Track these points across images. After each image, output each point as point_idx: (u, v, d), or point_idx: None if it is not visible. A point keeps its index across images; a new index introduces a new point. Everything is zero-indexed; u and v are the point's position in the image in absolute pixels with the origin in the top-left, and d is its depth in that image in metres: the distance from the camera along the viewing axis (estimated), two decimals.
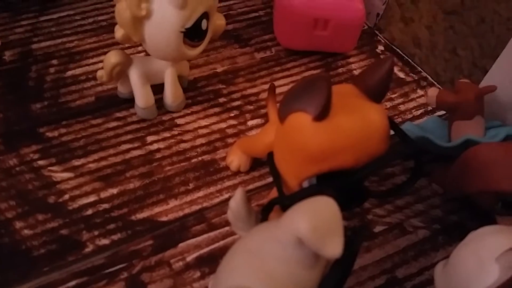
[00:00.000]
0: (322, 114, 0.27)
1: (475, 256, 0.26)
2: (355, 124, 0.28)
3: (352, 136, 0.28)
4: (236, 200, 0.30)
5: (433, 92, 0.41)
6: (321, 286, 0.25)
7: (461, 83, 0.41)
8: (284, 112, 0.30)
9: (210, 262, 0.35)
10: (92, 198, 0.38)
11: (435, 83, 0.51)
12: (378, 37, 0.56)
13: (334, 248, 0.23)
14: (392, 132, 0.30)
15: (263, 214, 0.29)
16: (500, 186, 0.33)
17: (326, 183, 0.29)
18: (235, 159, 0.40)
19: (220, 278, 0.26)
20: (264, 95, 0.48)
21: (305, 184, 0.30)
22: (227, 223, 0.37)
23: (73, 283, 0.33)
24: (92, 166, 0.40)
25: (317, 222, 0.23)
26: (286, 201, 0.28)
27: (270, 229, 0.25)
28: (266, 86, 0.48)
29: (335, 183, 0.29)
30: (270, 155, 0.33)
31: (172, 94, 0.43)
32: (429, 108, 0.48)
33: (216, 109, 0.46)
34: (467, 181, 0.35)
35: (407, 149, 0.30)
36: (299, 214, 0.23)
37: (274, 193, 0.36)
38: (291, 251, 0.24)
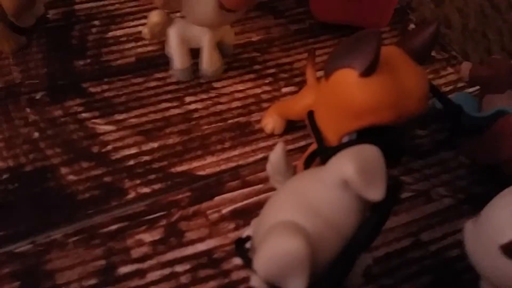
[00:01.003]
0: (369, 71, 0.29)
1: (508, 209, 0.27)
2: (398, 83, 0.30)
3: (395, 94, 0.30)
4: (277, 153, 0.31)
5: (466, 66, 0.42)
6: (360, 228, 0.26)
7: (494, 58, 0.42)
8: (330, 69, 0.31)
9: (244, 215, 0.37)
10: (133, 150, 0.40)
11: (466, 61, 0.52)
12: (410, 15, 0.57)
13: (377, 191, 0.25)
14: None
15: (306, 164, 0.31)
16: None
17: (367, 138, 0.31)
18: (270, 121, 0.42)
19: (265, 217, 0.27)
20: (298, 64, 0.49)
21: (345, 140, 0.32)
22: (260, 181, 0.39)
23: (115, 227, 0.35)
24: (134, 121, 0.42)
25: (362, 165, 0.24)
26: (329, 152, 0.30)
27: (316, 173, 0.27)
28: (300, 56, 0.50)
29: (375, 138, 0.30)
30: (311, 113, 0.34)
31: (207, 60, 0.44)
32: (459, 85, 0.49)
33: (251, 75, 0.47)
34: (499, 148, 0.36)
35: (447, 111, 0.31)
36: (346, 158, 0.25)
37: (310, 151, 0.37)
38: (336, 193, 0.25)
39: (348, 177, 0.24)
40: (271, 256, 0.23)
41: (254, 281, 0.28)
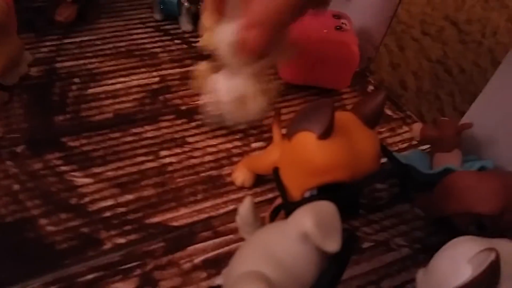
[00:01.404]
0: (325, 134, 0.33)
1: (451, 259, 0.30)
2: (352, 145, 0.34)
3: (349, 155, 0.33)
4: (245, 206, 0.34)
5: (417, 126, 0.47)
6: (320, 278, 0.29)
7: (443, 120, 0.47)
8: (291, 131, 0.35)
9: (216, 264, 0.39)
10: (110, 202, 0.42)
11: (419, 121, 0.57)
12: (369, 78, 0.62)
13: (333, 243, 0.28)
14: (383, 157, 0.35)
15: (271, 217, 0.33)
16: (474, 208, 0.38)
17: (326, 194, 0.34)
18: (240, 175, 0.45)
19: (233, 267, 0.30)
20: (266, 121, 0.52)
21: (307, 195, 0.35)
22: (231, 231, 0.41)
23: (91, 276, 0.37)
24: (110, 174, 0.44)
25: (320, 220, 0.28)
26: (291, 206, 0.33)
27: (279, 226, 0.30)
28: (268, 114, 0.54)
29: (333, 194, 0.33)
30: (276, 169, 0.38)
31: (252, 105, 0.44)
32: (413, 142, 0.54)
33: (223, 131, 0.50)
34: (446, 204, 0.40)
35: (395, 169, 0.35)
36: (305, 213, 0.28)
37: (275, 205, 0.40)
38: (297, 245, 0.28)
39: (307, 230, 0.27)
40: None
41: None
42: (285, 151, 0.36)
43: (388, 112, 0.57)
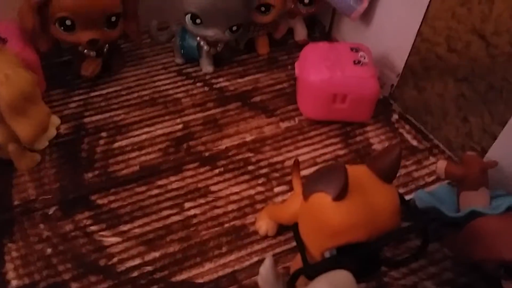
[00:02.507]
0: (340, 195, 0.32)
1: None
2: (368, 203, 0.33)
3: (366, 214, 0.33)
4: (266, 267, 0.35)
5: (442, 164, 0.46)
6: None
7: (468, 156, 0.46)
8: (307, 192, 0.35)
9: None
10: (137, 261, 0.43)
11: (446, 150, 0.56)
12: (393, 106, 0.61)
13: None
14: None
15: (291, 283, 0.34)
16: (502, 255, 0.36)
17: (345, 254, 0.34)
18: (263, 224, 0.45)
19: None
20: (288, 162, 0.53)
21: (327, 254, 0.35)
22: (256, 285, 0.42)
23: None
24: (137, 231, 0.45)
25: None
26: (310, 271, 0.33)
27: None
28: (290, 154, 0.54)
29: (352, 254, 0.33)
30: (295, 226, 0.38)
31: None
32: None
33: (246, 177, 0.51)
34: (472, 249, 0.39)
35: (415, 226, 0.35)
36: (321, 285, 0.28)
37: (298, 260, 0.40)
38: None
39: None
40: None
41: None
42: (302, 210, 0.36)
43: (414, 142, 0.56)
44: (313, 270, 0.32)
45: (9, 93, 0.43)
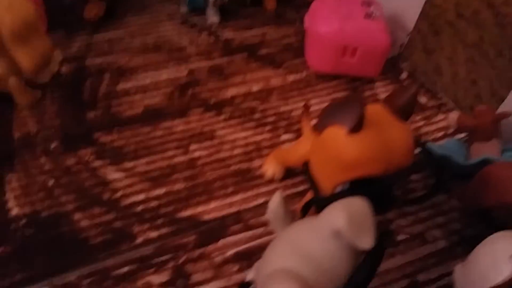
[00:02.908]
0: (356, 128, 0.32)
1: (490, 256, 0.29)
2: (383, 139, 0.33)
3: (381, 149, 0.32)
4: (275, 202, 0.34)
5: (454, 115, 0.45)
6: (353, 275, 0.28)
7: (480, 108, 0.45)
8: (322, 125, 0.34)
9: (247, 257, 0.39)
10: (141, 197, 0.42)
11: (455, 109, 0.55)
12: (401, 65, 0.60)
13: (366, 240, 0.27)
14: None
15: (302, 213, 0.33)
16: None
17: (358, 188, 0.33)
18: (270, 168, 0.44)
19: (266, 262, 0.29)
20: (296, 112, 0.52)
21: (339, 189, 0.34)
22: (262, 224, 0.41)
23: (125, 269, 0.37)
24: (142, 168, 0.44)
25: (352, 217, 0.27)
26: (323, 201, 0.32)
27: (310, 223, 0.29)
28: (298, 105, 0.53)
29: (366, 188, 0.33)
30: (306, 164, 0.37)
31: None
32: (449, 131, 0.52)
33: (252, 124, 0.50)
34: (484, 195, 0.38)
35: (429, 162, 0.34)
36: (337, 210, 0.27)
37: (306, 199, 0.39)
38: (329, 242, 0.28)
39: (340, 228, 0.26)
40: None
41: None
42: (315, 145, 0.36)
43: (423, 100, 0.56)
44: (326, 200, 0.32)
45: (12, 20, 0.42)
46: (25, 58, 0.43)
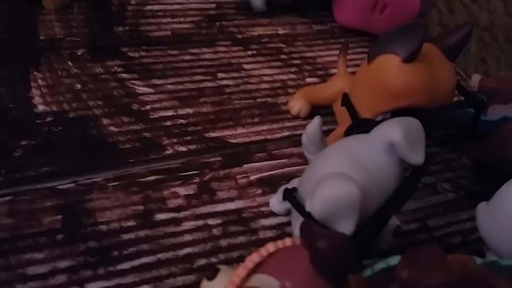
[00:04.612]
0: (411, 57, 0.32)
1: None
2: (432, 73, 0.34)
3: (430, 82, 0.34)
4: (314, 125, 0.34)
5: (476, 77, 0.47)
6: (398, 189, 0.29)
7: (501, 74, 0.47)
8: (374, 54, 0.34)
9: (270, 183, 0.40)
10: (170, 113, 0.42)
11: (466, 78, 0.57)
12: None
13: (418, 156, 0.28)
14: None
15: (346, 134, 0.34)
16: None
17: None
18: (297, 104, 0.45)
19: (318, 167, 0.30)
20: (320, 59, 0.52)
21: (379, 119, 0.35)
22: (285, 156, 0.42)
23: (152, 178, 0.37)
24: (170, 87, 0.44)
25: (408, 133, 0.28)
26: (370, 123, 0.33)
27: (361, 137, 0.30)
28: (322, 53, 0.53)
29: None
30: (346, 94, 0.38)
31: None
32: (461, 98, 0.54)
33: (278, 63, 0.50)
34: (503, 149, 0.40)
35: (471, 100, 0.36)
36: (394, 124, 0.28)
37: (332, 136, 0.40)
38: (381, 154, 0.29)
39: (396, 141, 0.28)
40: (329, 197, 0.26)
41: (296, 230, 0.30)
42: (360, 75, 0.36)
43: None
44: (372, 123, 0.33)
45: None
46: None
